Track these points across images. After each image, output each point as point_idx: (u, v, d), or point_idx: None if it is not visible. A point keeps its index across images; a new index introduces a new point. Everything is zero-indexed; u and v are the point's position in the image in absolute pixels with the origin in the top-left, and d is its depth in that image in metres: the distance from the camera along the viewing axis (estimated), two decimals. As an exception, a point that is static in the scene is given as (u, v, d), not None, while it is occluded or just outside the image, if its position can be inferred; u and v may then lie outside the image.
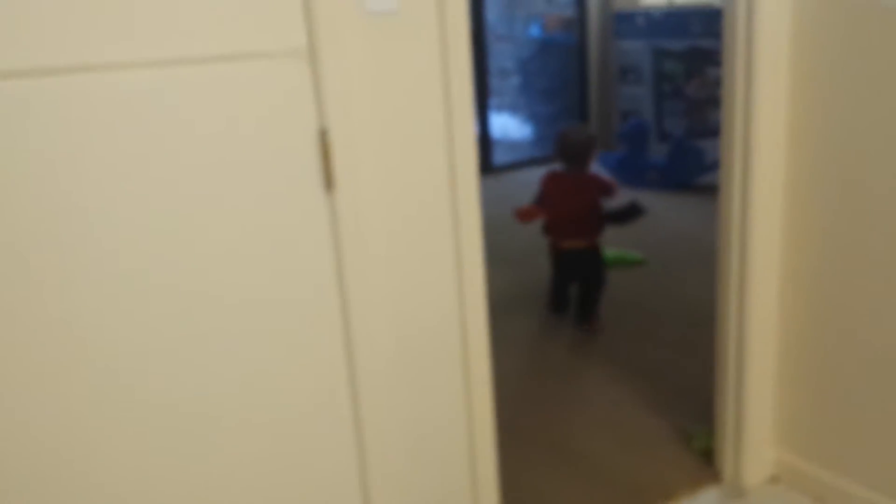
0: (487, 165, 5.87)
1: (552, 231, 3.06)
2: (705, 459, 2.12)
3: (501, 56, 7.57)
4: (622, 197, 3.35)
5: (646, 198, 4.52)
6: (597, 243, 3.04)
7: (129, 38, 1.15)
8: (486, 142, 5.90)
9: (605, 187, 3.04)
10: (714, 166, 4.12)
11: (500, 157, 6.30)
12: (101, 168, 1.16)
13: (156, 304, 1.24)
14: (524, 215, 3.01)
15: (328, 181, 1.35)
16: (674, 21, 5.22)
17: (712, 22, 4.90)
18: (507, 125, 7.58)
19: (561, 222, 3.03)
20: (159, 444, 1.29)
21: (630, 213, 3.41)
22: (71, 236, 1.15)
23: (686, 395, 2.45)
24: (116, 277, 1.20)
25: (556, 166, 3.11)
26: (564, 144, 3.03)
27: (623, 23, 5.50)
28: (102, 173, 1.16)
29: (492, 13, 7.20)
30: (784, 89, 1.79)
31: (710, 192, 2.11)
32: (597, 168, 5.33)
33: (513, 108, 7.70)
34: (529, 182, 5.43)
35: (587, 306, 3.04)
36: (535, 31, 6.63)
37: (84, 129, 1.13)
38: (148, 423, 1.27)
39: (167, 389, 1.28)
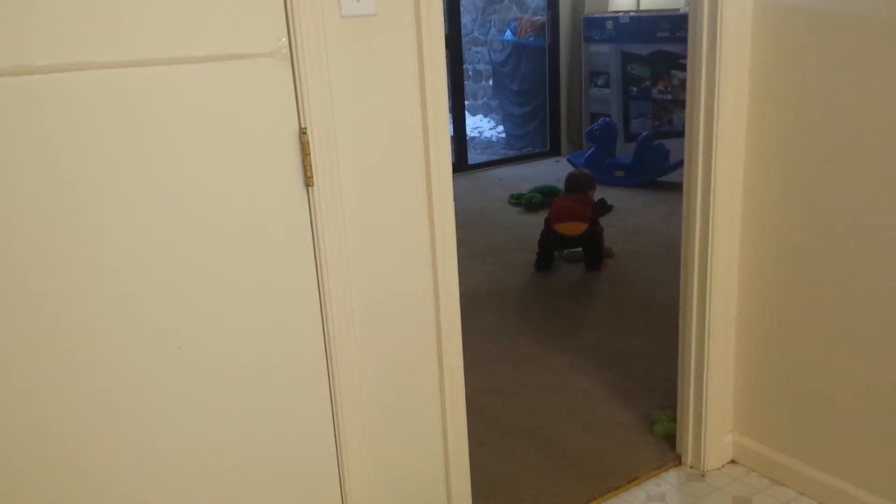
0: (463, 164, 5.95)
1: (551, 220, 3.73)
2: (667, 443, 2.19)
3: (476, 59, 7.67)
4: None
5: (613, 195, 4.65)
6: (592, 228, 3.69)
7: (119, 39, 1.19)
8: (461, 141, 5.97)
9: (597, 208, 3.77)
10: (678, 165, 4.26)
11: (474, 155, 6.39)
12: (92, 161, 1.20)
13: (143, 287, 1.29)
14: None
15: (307, 178, 1.39)
16: (640, 26, 5.33)
17: (677, 27, 5.03)
18: (482, 125, 7.66)
19: (561, 215, 3.71)
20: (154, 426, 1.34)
21: (598, 210, 3.63)
22: (65, 220, 1.20)
23: (649, 383, 2.53)
24: (107, 266, 1.24)
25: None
26: (571, 179, 3.92)
27: (592, 28, 5.60)
28: (93, 166, 1.20)
29: (467, 17, 7.28)
30: (745, 91, 1.86)
31: (675, 189, 2.19)
32: (566, 165, 5.47)
33: (487, 109, 7.79)
34: (502, 180, 5.53)
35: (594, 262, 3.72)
36: (508, 35, 6.72)
37: (72, 123, 1.17)
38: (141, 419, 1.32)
39: (158, 374, 1.33)
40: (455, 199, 1.61)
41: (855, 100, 1.68)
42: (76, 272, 1.22)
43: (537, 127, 6.54)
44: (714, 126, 1.84)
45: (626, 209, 4.58)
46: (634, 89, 5.43)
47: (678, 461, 2.14)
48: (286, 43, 1.33)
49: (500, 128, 7.32)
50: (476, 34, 7.57)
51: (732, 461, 2.12)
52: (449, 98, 1.59)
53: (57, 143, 1.17)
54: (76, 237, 1.21)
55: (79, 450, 1.28)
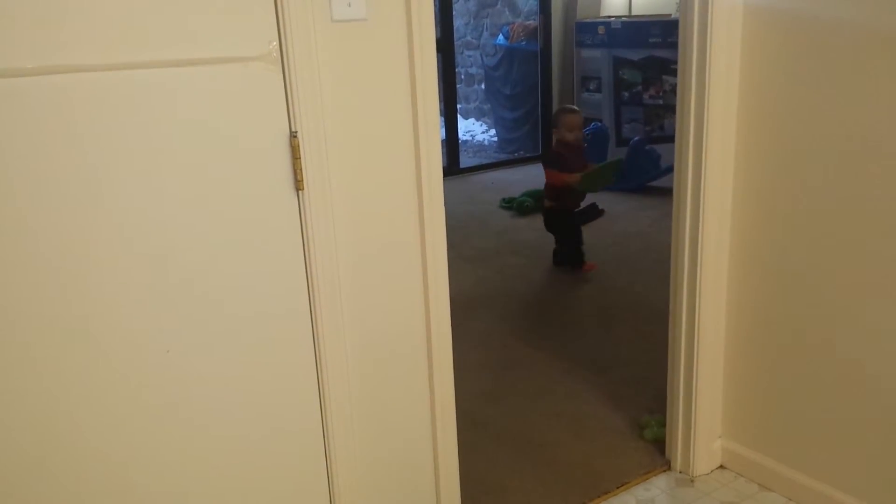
0: (455, 167, 5.96)
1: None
2: (657, 448, 2.20)
3: (468, 63, 7.69)
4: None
5: (604, 199, 4.65)
6: (566, 207, 3.68)
7: (108, 41, 1.18)
8: (453, 145, 5.97)
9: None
10: (669, 170, 4.29)
11: (466, 159, 6.39)
12: (79, 165, 1.19)
13: (139, 291, 1.28)
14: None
15: (298, 182, 1.39)
16: (632, 31, 5.35)
17: (669, 32, 5.05)
18: (474, 129, 7.67)
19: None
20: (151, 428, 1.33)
21: (589, 214, 3.65)
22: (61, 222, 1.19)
23: (639, 388, 2.54)
24: (94, 270, 1.24)
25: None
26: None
27: (584, 32, 5.62)
28: (80, 169, 1.20)
29: (460, 21, 7.29)
30: (735, 97, 1.87)
31: (666, 194, 2.20)
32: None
33: (479, 113, 7.80)
34: (494, 184, 5.54)
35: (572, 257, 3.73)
36: (500, 39, 6.73)
37: (61, 125, 1.17)
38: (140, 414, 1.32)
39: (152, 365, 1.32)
40: (446, 203, 1.61)
41: (845, 107, 1.69)
42: (64, 276, 1.21)
43: (529, 131, 6.55)
44: (704, 131, 1.85)
45: (616, 214, 4.59)
46: (626, 94, 5.45)
47: (667, 466, 2.14)
48: (277, 46, 1.33)
49: (492, 132, 7.33)
50: (469, 38, 7.58)
51: (721, 466, 2.13)
52: (441, 102, 1.59)
53: (46, 145, 1.16)
54: (63, 240, 1.20)
55: (69, 440, 1.27)
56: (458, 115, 6.22)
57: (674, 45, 1.96)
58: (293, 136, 1.37)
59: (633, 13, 5.72)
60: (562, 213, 3.72)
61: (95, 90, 1.18)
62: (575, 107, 4.12)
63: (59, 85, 1.15)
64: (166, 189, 1.28)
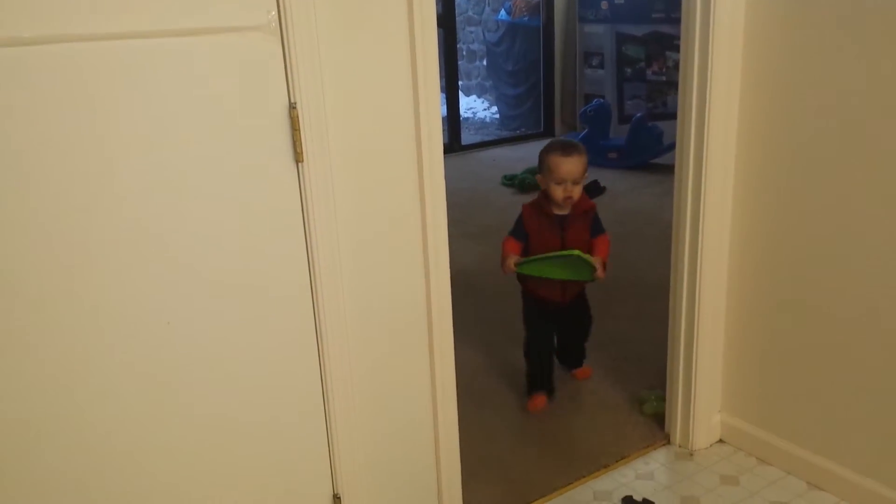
0: (456, 144, 5.93)
1: None
2: (656, 423, 2.21)
3: (470, 39, 7.62)
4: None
5: (606, 176, 4.65)
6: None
7: (106, 10, 1.17)
8: (455, 121, 5.94)
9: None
10: (672, 147, 4.26)
11: (468, 136, 6.36)
12: (76, 136, 1.19)
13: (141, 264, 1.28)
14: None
15: (297, 154, 1.38)
16: (635, 6, 5.30)
17: (672, 7, 5.00)
18: (476, 106, 7.63)
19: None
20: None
21: (590, 192, 3.61)
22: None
23: (639, 364, 2.55)
24: (95, 241, 1.23)
25: None
26: None
27: (587, 7, 5.57)
28: (77, 140, 1.19)
29: (461, -4, 7.20)
30: (738, 73, 1.85)
31: (668, 171, 2.19)
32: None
33: (481, 90, 7.75)
34: (496, 160, 5.51)
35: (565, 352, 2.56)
36: (502, 14, 6.67)
37: (59, 95, 1.16)
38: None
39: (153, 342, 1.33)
40: (448, 180, 1.60)
41: (849, 82, 1.68)
42: (65, 246, 1.21)
43: (531, 108, 6.52)
44: (706, 108, 1.84)
45: (619, 191, 4.58)
46: (629, 70, 5.41)
47: (667, 440, 2.16)
48: (276, 17, 1.31)
49: (494, 108, 7.29)
50: (470, 13, 7.51)
51: (720, 440, 2.14)
52: (442, 78, 1.58)
53: (44, 116, 1.15)
54: (64, 211, 1.20)
55: (77, 419, 1.28)
56: (460, 92, 6.18)
57: (677, 21, 1.93)
58: (292, 107, 1.36)
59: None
60: (541, 304, 2.38)
61: (92, 60, 1.17)
62: (573, 141, 2.34)
63: (56, 55, 1.14)
64: (164, 161, 1.27)
